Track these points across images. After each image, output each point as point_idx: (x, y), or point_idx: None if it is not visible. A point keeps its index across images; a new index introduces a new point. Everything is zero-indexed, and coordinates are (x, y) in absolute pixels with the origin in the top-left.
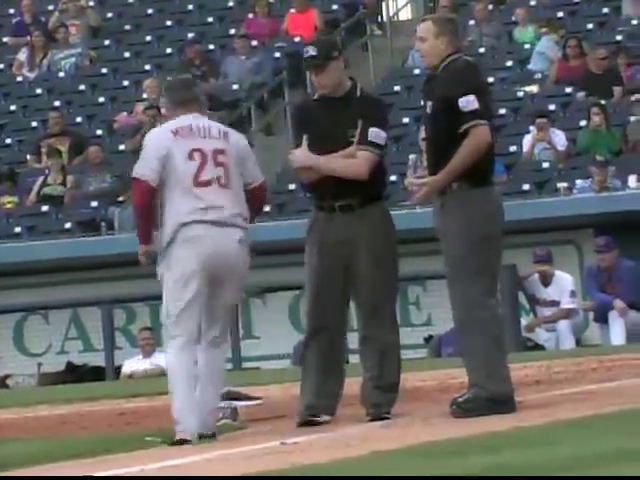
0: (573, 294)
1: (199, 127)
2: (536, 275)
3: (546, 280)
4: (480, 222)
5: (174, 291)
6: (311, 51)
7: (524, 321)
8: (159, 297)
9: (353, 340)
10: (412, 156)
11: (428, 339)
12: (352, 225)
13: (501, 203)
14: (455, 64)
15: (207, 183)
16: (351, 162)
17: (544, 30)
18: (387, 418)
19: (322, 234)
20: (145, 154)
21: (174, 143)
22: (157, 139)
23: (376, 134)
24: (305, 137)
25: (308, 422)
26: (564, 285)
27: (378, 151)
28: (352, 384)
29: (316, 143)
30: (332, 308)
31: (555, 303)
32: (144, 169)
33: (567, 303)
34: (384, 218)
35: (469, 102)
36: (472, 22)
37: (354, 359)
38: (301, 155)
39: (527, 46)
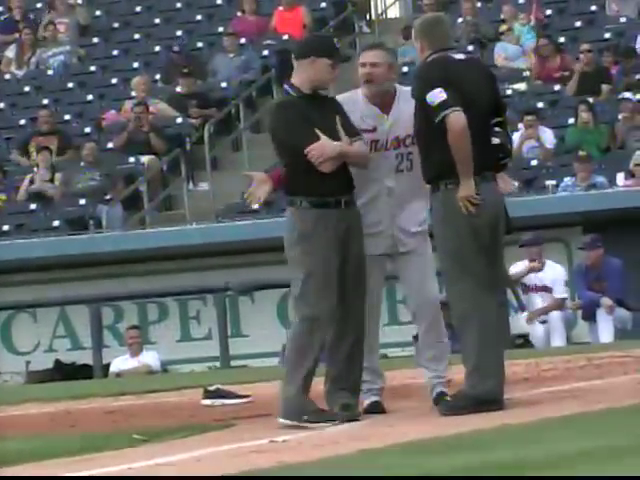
0: (566, 284)
1: None
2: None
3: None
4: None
5: None
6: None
7: (518, 317)
8: (146, 295)
9: None
10: None
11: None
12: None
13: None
14: (422, 65)
15: None
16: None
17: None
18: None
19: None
20: None
21: None
22: None
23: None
24: (317, 131)
25: None
26: (558, 273)
27: None
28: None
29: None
30: None
31: (547, 289)
32: None
33: (561, 292)
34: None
35: (435, 95)
36: (460, 20)
37: None
38: (330, 144)
39: (513, 44)
